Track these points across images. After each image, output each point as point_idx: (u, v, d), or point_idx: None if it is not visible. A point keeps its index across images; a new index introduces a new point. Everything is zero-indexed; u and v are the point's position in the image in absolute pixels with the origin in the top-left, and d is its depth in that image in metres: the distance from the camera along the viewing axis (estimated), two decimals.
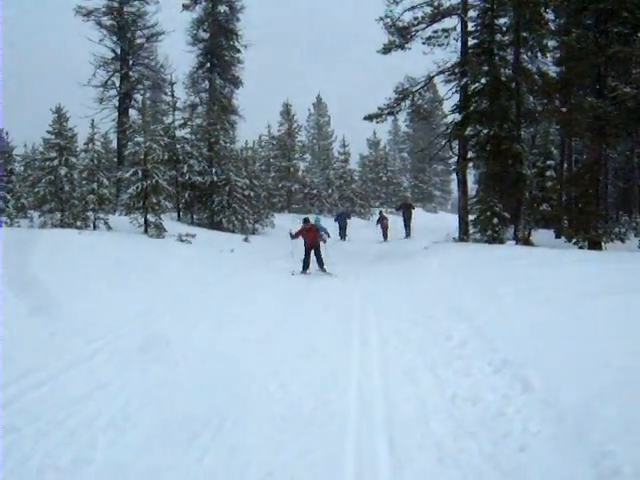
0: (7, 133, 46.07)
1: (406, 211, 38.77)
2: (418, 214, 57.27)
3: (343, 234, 36.83)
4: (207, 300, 14.80)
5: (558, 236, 30.82)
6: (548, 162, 31.94)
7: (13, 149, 35.63)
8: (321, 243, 21.28)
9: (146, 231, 25.12)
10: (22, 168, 42.12)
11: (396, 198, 60.02)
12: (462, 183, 29.15)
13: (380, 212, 40.56)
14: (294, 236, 21.25)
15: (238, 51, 40.35)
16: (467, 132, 27.55)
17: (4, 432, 6.62)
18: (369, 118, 30.14)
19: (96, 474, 5.86)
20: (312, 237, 20.68)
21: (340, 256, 22.44)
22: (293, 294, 16.12)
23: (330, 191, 52.68)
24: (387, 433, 6.71)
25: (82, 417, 7.17)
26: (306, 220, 21.64)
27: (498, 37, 27.03)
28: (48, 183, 25.53)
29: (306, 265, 20.45)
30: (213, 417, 7.21)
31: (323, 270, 20.25)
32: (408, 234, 37.68)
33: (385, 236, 36.51)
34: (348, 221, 38.11)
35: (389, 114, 30.33)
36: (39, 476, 5.75)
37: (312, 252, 20.56)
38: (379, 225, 37.15)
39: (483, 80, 27.11)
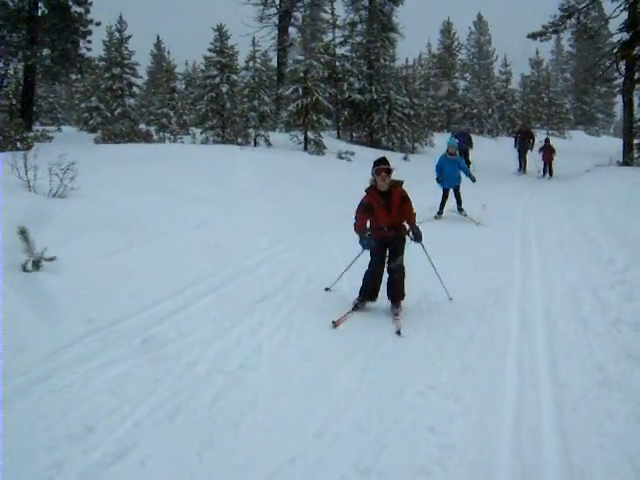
0: (169, 52, 47.27)
1: (524, 141, 28.85)
2: (579, 137, 54.90)
3: None
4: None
5: None
6: None
7: (174, 67, 36.43)
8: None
9: (306, 148, 25.22)
10: (183, 86, 43.25)
11: (557, 120, 57.38)
12: (628, 105, 27.28)
13: (546, 139, 29.00)
14: (358, 226, 8.39)
15: None
16: (635, 52, 25.70)
17: (173, 338, 6.77)
18: (532, 36, 28.77)
19: (261, 379, 5.90)
20: (392, 218, 8.32)
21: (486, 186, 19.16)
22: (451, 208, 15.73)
23: (490, 111, 51.13)
24: (548, 353, 6.51)
25: (246, 326, 7.22)
26: (381, 162, 8.30)
27: None
28: (209, 100, 26.04)
29: (369, 290, 8.38)
30: (370, 338, 7.11)
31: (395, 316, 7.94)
32: (524, 169, 28.68)
33: (545, 170, 27.32)
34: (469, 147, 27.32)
35: (553, 32, 28.83)
36: (207, 379, 5.85)
37: (386, 257, 8.44)
38: (541, 154, 27.51)
39: None
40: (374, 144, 32.35)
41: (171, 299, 8.08)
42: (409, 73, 40.90)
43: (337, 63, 33.27)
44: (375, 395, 5.64)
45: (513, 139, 30.74)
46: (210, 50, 27.02)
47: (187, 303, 8.01)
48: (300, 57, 26.09)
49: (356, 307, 8.26)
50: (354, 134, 34.38)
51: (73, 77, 27.85)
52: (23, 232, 8.44)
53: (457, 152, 15.92)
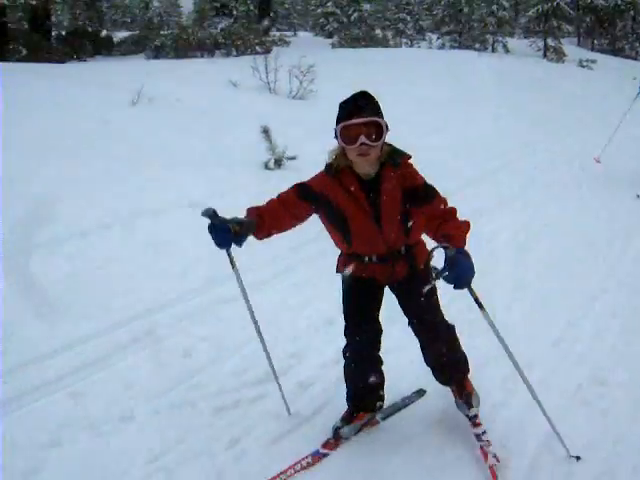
0: None
1: None
2: None
3: None
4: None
5: None
6: None
7: None
8: None
9: (545, 55, 24.32)
10: None
11: None
12: None
13: None
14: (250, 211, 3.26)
15: None
16: None
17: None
18: None
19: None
20: (386, 237, 3.25)
21: None
22: None
23: None
24: None
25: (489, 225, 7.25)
26: (355, 107, 3.06)
27: None
28: (447, 5, 25.60)
29: (358, 392, 3.64)
30: None
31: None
32: None
33: None
34: None
35: None
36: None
37: (377, 318, 3.56)
38: None
39: None
40: (617, 52, 30.58)
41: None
42: None
43: None
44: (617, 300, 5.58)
45: None
46: None
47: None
48: None
49: (337, 434, 3.64)
50: (595, 42, 32.66)
51: None
52: (266, 131, 8.78)
53: None
